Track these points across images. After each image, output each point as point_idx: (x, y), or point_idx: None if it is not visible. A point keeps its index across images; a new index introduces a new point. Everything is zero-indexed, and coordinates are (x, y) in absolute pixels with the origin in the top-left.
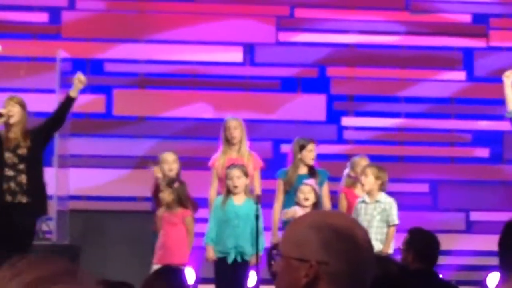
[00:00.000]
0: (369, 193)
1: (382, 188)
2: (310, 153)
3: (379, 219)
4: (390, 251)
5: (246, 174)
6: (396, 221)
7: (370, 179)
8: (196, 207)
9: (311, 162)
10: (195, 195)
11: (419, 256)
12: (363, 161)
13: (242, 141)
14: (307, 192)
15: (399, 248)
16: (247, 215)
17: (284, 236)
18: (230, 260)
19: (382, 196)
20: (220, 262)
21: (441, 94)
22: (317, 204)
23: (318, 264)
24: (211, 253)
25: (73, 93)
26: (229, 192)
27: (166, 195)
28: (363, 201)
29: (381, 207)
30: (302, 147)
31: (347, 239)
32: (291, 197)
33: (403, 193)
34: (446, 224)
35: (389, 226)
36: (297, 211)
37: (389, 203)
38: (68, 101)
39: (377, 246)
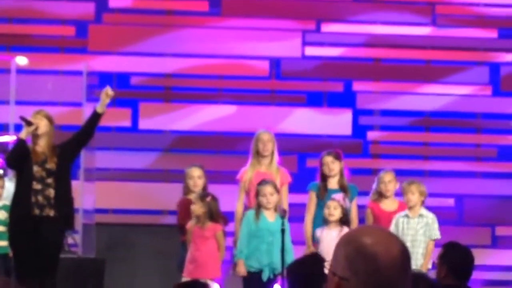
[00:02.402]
0: (411, 208)
1: (423, 203)
2: (324, 167)
3: (422, 233)
4: (429, 266)
5: (277, 191)
6: (438, 236)
7: (416, 196)
8: (227, 222)
9: (329, 174)
10: (221, 208)
11: (452, 271)
12: (387, 176)
13: (273, 155)
14: (332, 207)
15: (434, 263)
16: (279, 232)
17: None
18: (265, 278)
19: (424, 211)
20: (252, 277)
21: (467, 109)
22: (343, 220)
23: (340, 279)
24: (242, 268)
25: (100, 108)
26: (260, 207)
27: (198, 208)
28: (405, 216)
29: (424, 221)
30: (320, 161)
31: (369, 259)
32: (320, 211)
33: (428, 208)
34: (472, 239)
35: (429, 240)
36: None
37: (431, 218)
38: (95, 117)
39: (421, 260)
